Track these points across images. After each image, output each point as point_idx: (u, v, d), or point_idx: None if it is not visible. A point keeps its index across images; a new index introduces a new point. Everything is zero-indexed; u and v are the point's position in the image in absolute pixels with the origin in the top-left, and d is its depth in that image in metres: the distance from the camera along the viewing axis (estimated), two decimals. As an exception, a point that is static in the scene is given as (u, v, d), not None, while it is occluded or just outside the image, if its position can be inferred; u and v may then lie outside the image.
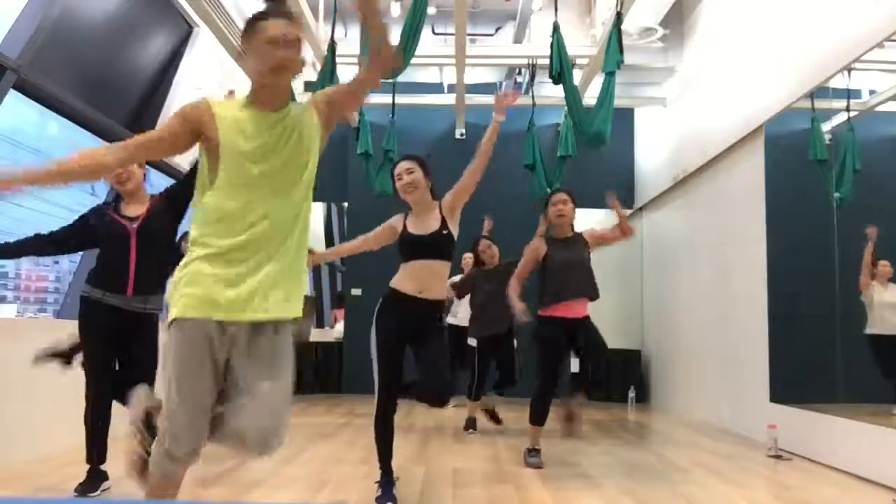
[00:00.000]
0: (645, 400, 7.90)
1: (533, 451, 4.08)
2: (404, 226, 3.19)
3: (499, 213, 9.18)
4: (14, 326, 4.49)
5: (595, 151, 6.08)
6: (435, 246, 3.10)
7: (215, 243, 1.85)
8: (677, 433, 5.69)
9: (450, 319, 6.05)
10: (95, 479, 3.18)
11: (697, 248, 6.81)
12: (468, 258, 6.11)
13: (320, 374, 8.21)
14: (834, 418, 4.30)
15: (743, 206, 5.71)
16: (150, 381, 3.07)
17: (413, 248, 3.12)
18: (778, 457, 4.49)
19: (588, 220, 6.03)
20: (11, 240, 3.35)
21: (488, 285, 5.28)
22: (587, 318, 4.07)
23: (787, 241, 5.07)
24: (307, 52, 6.48)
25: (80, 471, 3.50)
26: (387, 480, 3.15)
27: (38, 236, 3.31)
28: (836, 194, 4.46)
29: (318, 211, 10.80)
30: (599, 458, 4.45)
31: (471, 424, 5.50)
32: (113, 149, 1.86)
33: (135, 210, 3.27)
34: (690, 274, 7.01)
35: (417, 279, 3.10)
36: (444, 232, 3.10)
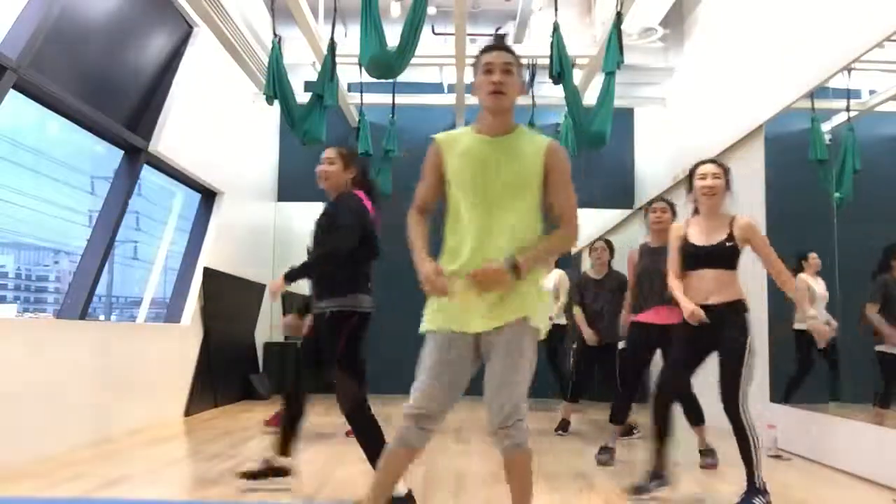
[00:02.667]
0: (645, 400, 7.88)
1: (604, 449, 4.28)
2: None
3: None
4: (14, 326, 4.50)
5: (595, 151, 6.07)
6: None
7: None
8: (677, 433, 5.68)
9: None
10: (270, 472, 3.22)
11: (697, 248, 6.81)
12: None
13: (320, 373, 8.20)
14: (834, 418, 4.30)
15: (743, 206, 5.70)
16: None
17: None
18: (778, 457, 4.49)
19: (587, 221, 6.02)
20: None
21: (599, 293, 5.25)
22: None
23: (787, 242, 5.07)
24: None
25: (81, 471, 3.52)
26: None
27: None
28: (836, 194, 4.46)
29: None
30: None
31: (563, 426, 5.48)
32: None
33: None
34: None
35: None
36: None
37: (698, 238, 3.30)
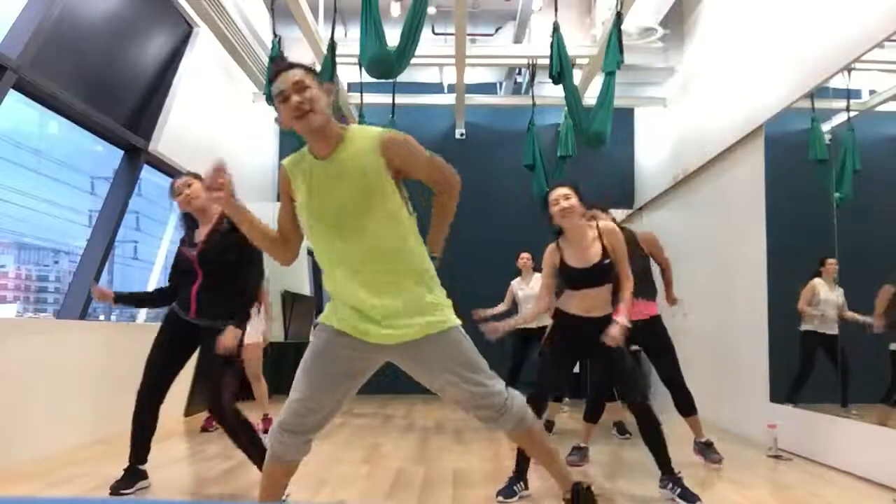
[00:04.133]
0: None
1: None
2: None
3: (498, 213, 9.18)
4: (14, 326, 4.50)
5: (595, 151, 6.08)
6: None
7: None
8: (677, 433, 5.68)
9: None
10: (132, 476, 3.21)
11: (697, 248, 6.81)
12: (526, 258, 6.03)
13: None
14: (834, 418, 4.30)
15: (743, 206, 5.71)
16: (218, 389, 3.10)
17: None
18: (778, 457, 4.49)
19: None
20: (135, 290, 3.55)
21: None
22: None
23: (787, 241, 5.07)
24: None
25: (81, 471, 3.52)
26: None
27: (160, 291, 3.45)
28: (836, 194, 4.46)
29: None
30: (599, 458, 4.45)
31: (548, 428, 5.42)
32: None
33: (201, 232, 3.26)
34: (690, 274, 6.99)
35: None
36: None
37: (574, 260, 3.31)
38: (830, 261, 4.57)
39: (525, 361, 5.58)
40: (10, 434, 3.73)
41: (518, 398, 2.16)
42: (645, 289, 4.27)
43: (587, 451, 4.31)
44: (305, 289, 8.96)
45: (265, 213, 3.27)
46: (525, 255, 6.07)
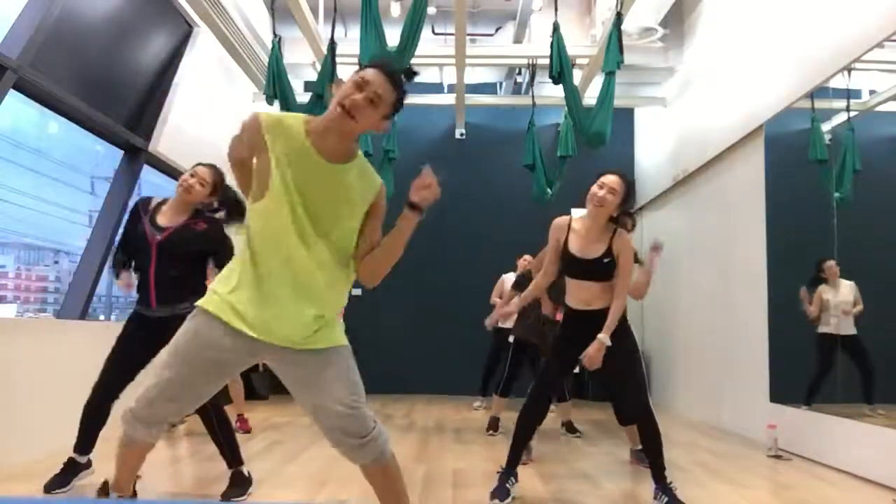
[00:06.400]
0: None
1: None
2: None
3: (498, 213, 9.17)
4: (14, 326, 4.49)
5: (595, 151, 6.07)
6: None
7: None
8: (677, 433, 5.69)
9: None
10: (69, 471, 3.21)
11: (697, 248, 6.81)
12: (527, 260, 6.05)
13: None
14: (834, 418, 4.30)
15: (743, 206, 5.71)
16: None
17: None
18: (778, 457, 4.49)
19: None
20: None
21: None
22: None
23: (787, 241, 5.07)
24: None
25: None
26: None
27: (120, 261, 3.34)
28: (836, 194, 4.46)
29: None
30: (599, 458, 4.45)
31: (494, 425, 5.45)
32: None
33: (170, 219, 3.21)
34: (690, 274, 7.00)
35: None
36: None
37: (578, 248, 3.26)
38: (829, 263, 4.57)
39: (519, 372, 5.54)
40: (9, 434, 3.73)
41: (383, 433, 2.03)
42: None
43: (532, 450, 4.22)
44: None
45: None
46: (527, 258, 6.12)
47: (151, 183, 6.81)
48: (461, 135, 8.93)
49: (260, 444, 4.66)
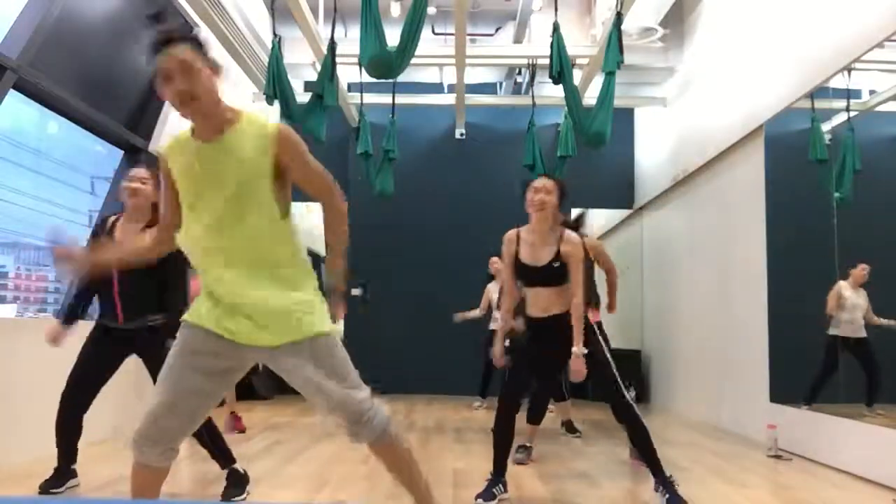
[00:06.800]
0: (645, 400, 7.90)
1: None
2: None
3: (498, 213, 9.18)
4: (14, 326, 4.49)
5: (595, 151, 6.08)
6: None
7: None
8: (677, 433, 5.69)
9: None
10: (60, 476, 3.20)
11: (697, 248, 6.81)
12: (497, 263, 6.14)
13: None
14: (834, 418, 4.30)
15: (743, 206, 5.71)
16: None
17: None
18: (778, 457, 4.49)
19: (588, 220, 5.99)
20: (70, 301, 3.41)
21: None
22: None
23: (787, 241, 5.07)
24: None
25: (81, 471, 3.50)
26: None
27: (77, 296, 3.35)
28: (836, 194, 4.46)
29: (317, 211, 10.81)
30: (599, 458, 4.45)
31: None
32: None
33: (126, 231, 3.19)
34: (690, 274, 7.00)
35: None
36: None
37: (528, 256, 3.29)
38: (862, 265, 4.51)
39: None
40: (9, 434, 3.73)
41: (381, 413, 2.01)
42: (587, 296, 4.24)
43: (531, 451, 4.29)
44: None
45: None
46: (494, 259, 6.28)
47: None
48: (461, 135, 8.93)
49: (260, 444, 4.66)
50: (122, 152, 5.61)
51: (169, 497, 3.21)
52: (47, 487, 3.14)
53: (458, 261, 8.36)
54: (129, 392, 5.04)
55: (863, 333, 4.46)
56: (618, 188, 8.80)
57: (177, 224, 1.98)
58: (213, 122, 1.92)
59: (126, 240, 3.12)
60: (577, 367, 3.13)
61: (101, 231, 3.26)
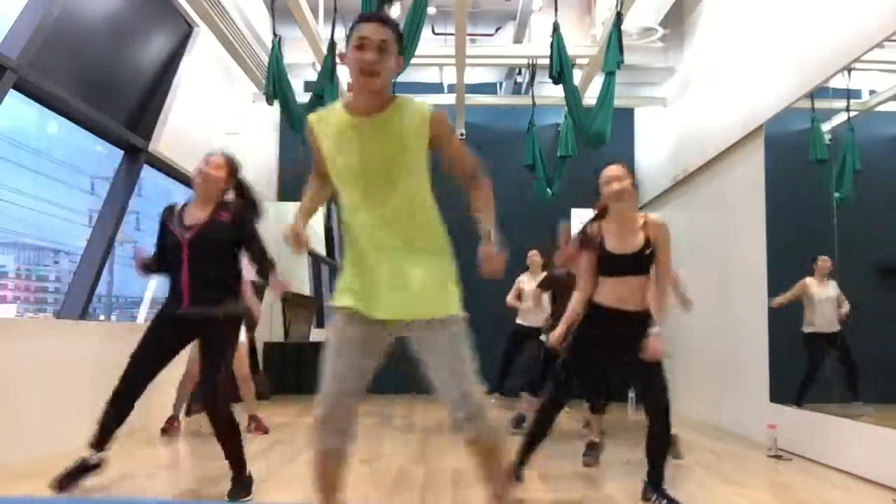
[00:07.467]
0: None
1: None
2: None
3: (498, 213, 9.14)
4: (14, 326, 4.49)
5: (595, 151, 6.08)
6: None
7: None
8: (677, 433, 5.69)
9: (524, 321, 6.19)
10: (78, 470, 3.14)
11: (697, 248, 6.81)
12: (535, 255, 6.15)
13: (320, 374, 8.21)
14: (834, 418, 4.30)
15: (743, 206, 5.71)
16: (213, 387, 3.08)
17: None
18: (778, 457, 4.49)
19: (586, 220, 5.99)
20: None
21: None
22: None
23: (787, 241, 5.07)
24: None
25: (80, 471, 3.49)
26: None
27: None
28: (836, 194, 4.46)
29: (317, 211, 10.82)
30: (601, 459, 4.45)
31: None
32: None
33: (197, 216, 3.21)
34: (690, 274, 7.00)
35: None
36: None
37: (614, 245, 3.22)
38: (823, 258, 4.60)
39: (516, 361, 5.61)
40: (9, 434, 3.73)
41: (489, 412, 2.06)
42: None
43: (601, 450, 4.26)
44: (305, 289, 8.95)
45: (265, 212, 3.34)
46: (533, 252, 6.20)
47: (152, 183, 6.81)
48: (461, 135, 8.93)
49: (260, 444, 4.66)
50: (122, 152, 5.61)
51: (169, 497, 3.22)
52: (59, 484, 3.07)
53: (458, 261, 8.36)
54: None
55: (836, 327, 4.50)
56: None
57: (324, 187, 2.20)
58: (376, 101, 2.01)
59: (195, 223, 3.18)
60: (656, 346, 3.07)
61: (171, 219, 3.24)
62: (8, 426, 3.73)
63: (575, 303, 3.41)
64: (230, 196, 3.35)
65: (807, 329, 4.69)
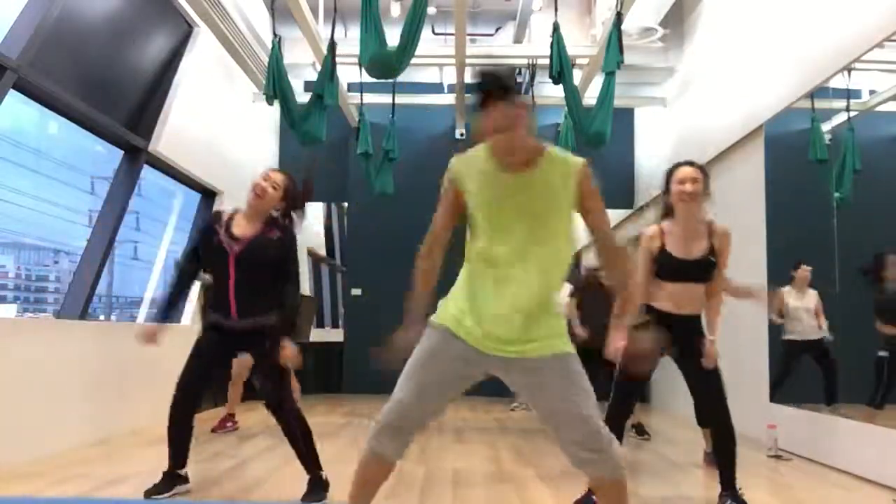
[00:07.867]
0: (645, 400, 7.89)
1: None
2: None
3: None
4: (14, 326, 4.50)
5: (595, 151, 6.08)
6: None
7: None
8: (677, 433, 5.69)
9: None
10: (168, 481, 3.18)
11: (697, 248, 6.81)
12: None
13: (320, 374, 8.23)
14: (834, 418, 4.30)
15: (743, 206, 5.70)
16: (278, 392, 3.11)
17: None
18: (778, 457, 4.48)
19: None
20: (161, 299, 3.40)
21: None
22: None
23: (787, 241, 5.07)
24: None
25: (81, 471, 3.52)
26: None
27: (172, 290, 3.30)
28: (836, 194, 4.46)
29: (317, 211, 10.82)
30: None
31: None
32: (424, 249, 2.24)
33: (246, 229, 3.15)
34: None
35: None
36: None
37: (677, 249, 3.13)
38: (804, 267, 4.68)
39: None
40: (10, 434, 3.73)
41: (618, 449, 1.98)
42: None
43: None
44: (305, 289, 8.96)
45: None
46: None
47: (152, 183, 6.82)
48: (461, 135, 8.93)
49: (260, 444, 4.66)
50: (122, 152, 5.61)
51: (169, 497, 3.21)
52: (153, 492, 3.10)
53: (457, 260, 8.36)
54: (118, 393, 5.04)
55: (816, 335, 4.54)
56: (618, 188, 8.79)
57: (446, 231, 2.16)
58: (520, 154, 2.00)
59: (244, 236, 3.11)
60: (712, 353, 3.05)
61: (218, 225, 3.17)
62: (8, 426, 3.73)
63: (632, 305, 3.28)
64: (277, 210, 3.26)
65: (785, 336, 4.84)
